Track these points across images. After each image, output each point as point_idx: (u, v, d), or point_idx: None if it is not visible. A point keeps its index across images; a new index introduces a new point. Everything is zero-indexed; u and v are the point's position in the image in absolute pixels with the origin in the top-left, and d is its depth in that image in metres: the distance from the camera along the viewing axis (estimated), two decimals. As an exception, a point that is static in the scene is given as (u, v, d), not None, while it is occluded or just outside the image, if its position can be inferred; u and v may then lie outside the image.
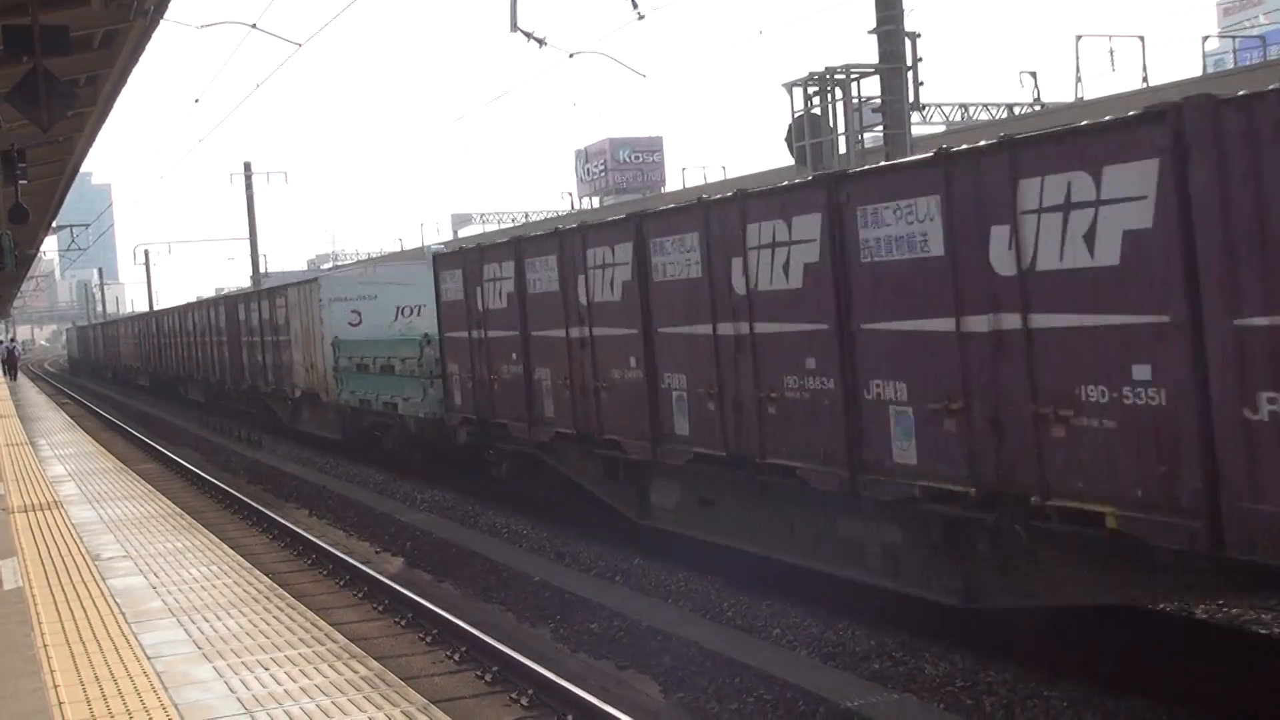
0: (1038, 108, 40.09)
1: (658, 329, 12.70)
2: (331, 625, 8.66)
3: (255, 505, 19.56)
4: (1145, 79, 38.19)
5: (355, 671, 7.22)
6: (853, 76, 20.96)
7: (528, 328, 15.44)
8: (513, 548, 15.71)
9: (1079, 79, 39.08)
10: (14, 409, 34.15)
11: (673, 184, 77.93)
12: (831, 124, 21.28)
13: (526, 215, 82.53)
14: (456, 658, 10.81)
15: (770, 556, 11.61)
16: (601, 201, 75.43)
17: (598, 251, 13.74)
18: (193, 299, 58.32)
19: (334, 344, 25.55)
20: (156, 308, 72.48)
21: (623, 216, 13.79)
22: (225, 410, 37.39)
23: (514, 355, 15.81)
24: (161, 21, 14.28)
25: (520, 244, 15.81)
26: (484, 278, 16.58)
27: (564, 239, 14.61)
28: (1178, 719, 8.25)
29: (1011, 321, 8.45)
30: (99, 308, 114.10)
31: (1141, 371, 7.58)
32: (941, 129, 40.28)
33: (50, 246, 66.38)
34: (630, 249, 13.00)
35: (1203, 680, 8.75)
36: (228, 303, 36.93)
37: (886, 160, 16.13)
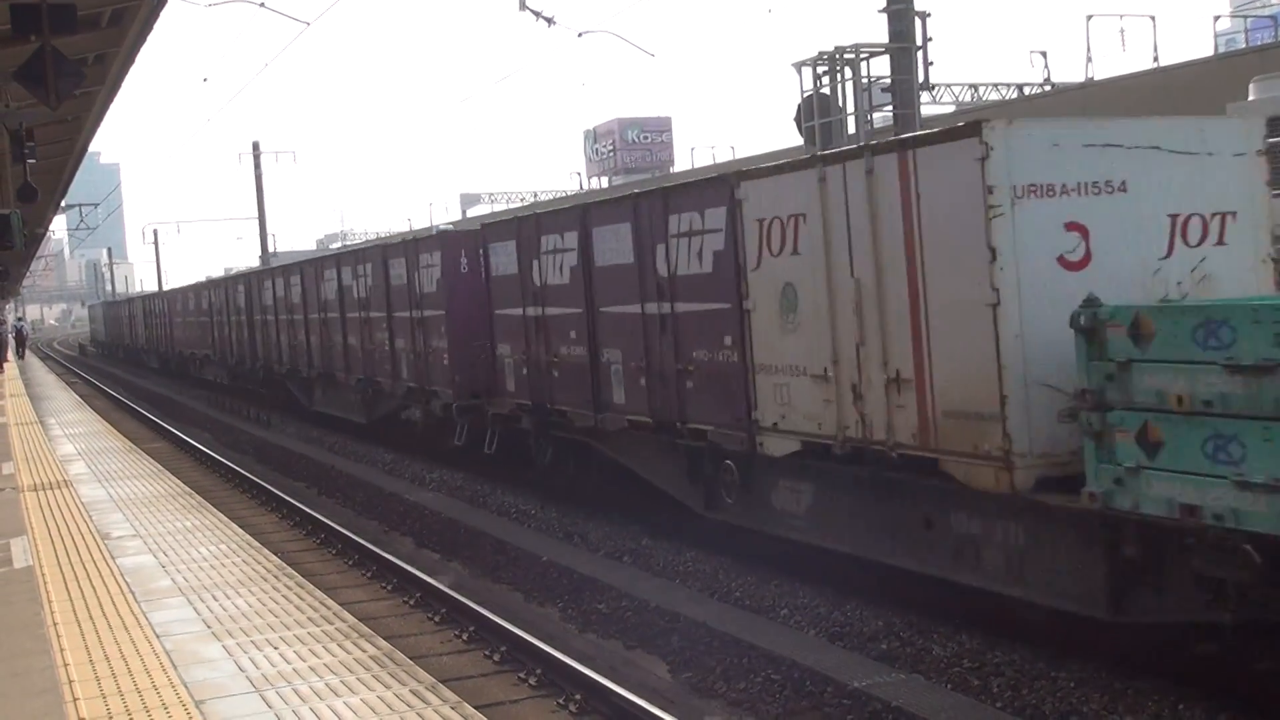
0: (1048, 88, 39.88)
1: None
2: (340, 604, 8.68)
3: (264, 484, 19.62)
4: (1156, 59, 37.96)
5: (364, 650, 7.25)
6: (862, 56, 20.87)
7: None
8: (521, 527, 15.73)
9: (1090, 59, 38.84)
10: (24, 388, 34.26)
11: (681, 164, 77.74)
12: (841, 104, 21.20)
13: (535, 195, 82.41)
14: (465, 637, 10.85)
15: None
16: (611, 182, 75.16)
17: None
18: (203, 278, 58.13)
19: (1138, 313, 7.80)
20: (168, 286, 71.73)
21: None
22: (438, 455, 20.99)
23: None
24: None
25: None
26: None
27: None
28: (1184, 699, 8.25)
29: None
30: (108, 286, 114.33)
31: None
32: (951, 109, 40.08)
33: (59, 226, 66.82)
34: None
35: (1208, 661, 8.74)
36: (448, 245, 19.17)
37: (895, 136, 16.83)
